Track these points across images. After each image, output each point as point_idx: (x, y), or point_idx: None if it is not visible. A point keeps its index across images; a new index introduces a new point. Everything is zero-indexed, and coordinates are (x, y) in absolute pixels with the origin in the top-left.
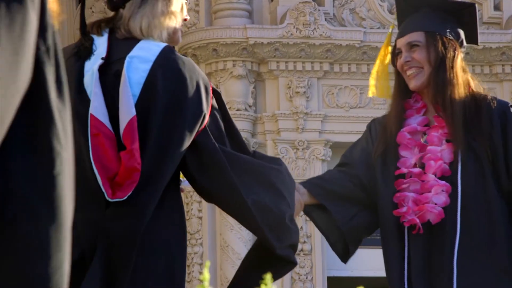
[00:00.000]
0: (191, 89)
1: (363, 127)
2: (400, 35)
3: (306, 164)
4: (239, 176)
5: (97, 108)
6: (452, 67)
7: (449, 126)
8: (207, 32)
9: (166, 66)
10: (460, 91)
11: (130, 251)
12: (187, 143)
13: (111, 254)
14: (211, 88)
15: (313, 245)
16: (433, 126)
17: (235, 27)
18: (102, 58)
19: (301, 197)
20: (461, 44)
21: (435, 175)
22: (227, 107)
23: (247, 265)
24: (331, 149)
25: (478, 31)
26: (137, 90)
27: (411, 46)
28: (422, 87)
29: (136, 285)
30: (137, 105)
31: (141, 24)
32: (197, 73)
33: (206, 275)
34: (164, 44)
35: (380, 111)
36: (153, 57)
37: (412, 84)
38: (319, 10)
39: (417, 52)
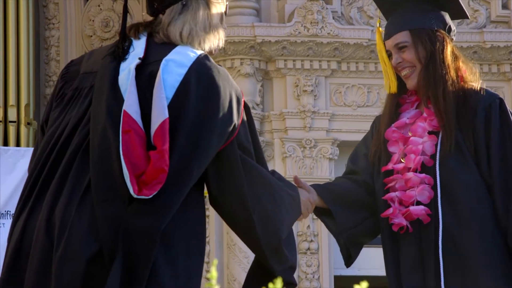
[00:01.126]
0: (224, 98)
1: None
2: (387, 36)
3: (314, 163)
4: (253, 187)
5: (131, 105)
6: (443, 61)
7: (440, 119)
8: None
9: (201, 72)
10: (451, 86)
11: (150, 248)
12: (215, 150)
13: (131, 251)
14: (243, 101)
15: (320, 244)
16: (421, 117)
17: (243, 25)
18: (139, 58)
19: (312, 197)
20: (448, 31)
21: (416, 170)
22: None
23: (250, 282)
24: (339, 148)
25: (463, 4)
26: (171, 93)
27: (399, 47)
28: (419, 84)
29: (155, 282)
30: (169, 108)
31: (182, 30)
32: (231, 83)
33: (214, 273)
34: (201, 51)
35: None
36: (189, 63)
37: (409, 84)
38: (327, 8)
39: (406, 53)
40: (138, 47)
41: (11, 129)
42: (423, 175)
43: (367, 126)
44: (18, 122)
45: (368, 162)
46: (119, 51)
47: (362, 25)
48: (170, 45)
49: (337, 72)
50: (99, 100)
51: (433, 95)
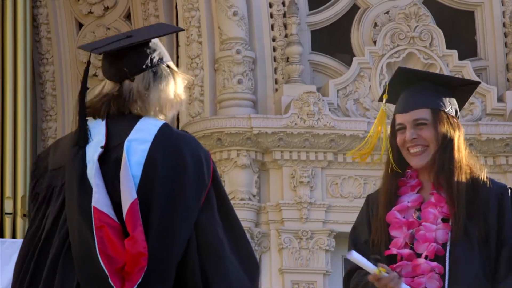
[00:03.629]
0: (192, 164)
1: None
2: (403, 110)
3: (310, 254)
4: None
5: (99, 200)
6: (459, 148)
7: (451, 207)
8: (212, 121)
9: (165, 143)
10: (464, 173)
11: None
12: (194, 219)
13: None
14: (211, 160)
15: None
16: (428, 202)
17: (239, 116)
18: (102, 147)
19: None
20: (458, 118)
21: (427, 257)
22: (231, 196)
23: None
24: (335, 239)
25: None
26: (138, 171)
27: (418, 123)
28: (428, 165)
29: None
30: (140, 186)
31: (159, 100)
32: (197, 146)
33: None
34: (161, 122)
35: None
36: (151, 137)
37: (415, 162)
38: (323, 100)
39: (424, 130)
40: (99, 132)
41: (7, 221)
42: (434, 263)
43: None
44: (14, 214)
45: (368, 250)
46: (81, 142)
47: (358, 117)
48: (130, 120)
49: (333, 163)
50: (71, 199)
51: (447, 181)
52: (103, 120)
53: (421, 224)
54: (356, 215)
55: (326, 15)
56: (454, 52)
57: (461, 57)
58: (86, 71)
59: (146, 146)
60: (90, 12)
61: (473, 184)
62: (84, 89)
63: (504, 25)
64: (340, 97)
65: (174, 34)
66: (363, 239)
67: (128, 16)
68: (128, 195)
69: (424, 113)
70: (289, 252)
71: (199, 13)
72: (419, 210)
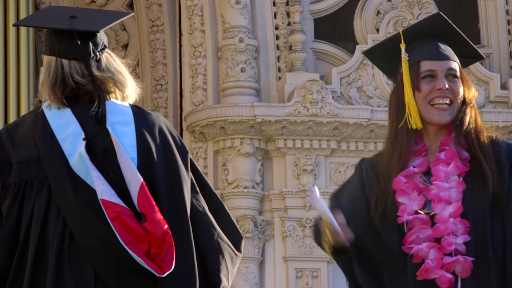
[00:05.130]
0: (171, 135)
1: None
2: (437, 57)
3: (314, 242)
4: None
5: (105, 191)
6: (476, 108)
7: (480, 163)
8: (215, 110)
9: (144, 121)
10: (483, 132)
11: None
12: (189, 181)
13: None
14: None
15: None
16: (438, 161)
17: (243, 105)
18: (84, 139)
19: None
20: None
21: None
22: (235, 184)
23: None
24: None
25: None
26: (134, 153)
27: (452, 74)
28: (448, 123)
29: None
30: (139, 167)
31: (115, 82)
32: (164, 118)
33: None
34: (127, 103)
35: None
36: (130, 118)
37: (440, 117)
38: (326, 88)
39: (456, 83)
40: (71, 121)
41: None
42: (459, 221)
43: None
44: None
45: (367, 224)
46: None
47: (361, 105)
48: (89, 106)
49: (336, 151)
50: (64, 195)
51: (472, 138)
52: (63, 107)
53: (434, 183)
54: None
55: (329, 3)
56: None
57: None
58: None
59: (132, 127)
60: (93, 1)
61: (491, 143)
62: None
63: (507, 12)
64: (343, 85)
65: (177, 23)
66: (347, 198)
67: (130, 5)
68: (134, 178)
69: (456, 66)
70: (293, 240)
71: (202, 1)
72: (426, 174)
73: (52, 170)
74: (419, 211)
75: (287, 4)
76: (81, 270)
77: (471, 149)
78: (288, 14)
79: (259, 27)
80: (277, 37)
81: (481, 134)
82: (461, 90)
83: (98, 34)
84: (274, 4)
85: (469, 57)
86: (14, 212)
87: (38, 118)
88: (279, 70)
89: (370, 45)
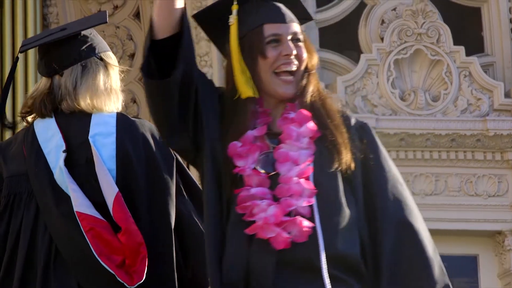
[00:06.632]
0: (155, 143)
1: None
2: (281, 20)
3: None
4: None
5: (81, 204)
6: (316, 75)
7: (330, 131)
8: None
9: (128, 131)
10: (329, 102)
11: None
12: (173, 189)
13: None
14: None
15: None
16: (289, 120)
17: None
18: (64, 151)
19: None
20: None
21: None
22: None
23: None
24: None
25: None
26: (112, 164)
27: (297, 38)
28: (292, 95)
29: None
30: (118, 178)
31: (91, 97)
32: (150, 125)
33: None
34: (114, 113)
35: None
36: (113, 129)
37: (286, 90)
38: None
39: (301, 48)
40: (55, 134)
41: None
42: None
43: None
44: None
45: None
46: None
47: (366, 113)
48: (82, 116)
49: None
50: (48, 207)
51: (321, 108)
52: (51, 117)
53: (284, 143)
54: None
55: (334, 13)
56: (461, 48)
57: (468, 53)
58: (14, 67)
59: (112, 139)
60: (100, 10)
61: (340, 113)
62: (8, 85)
63: (510, 21)
64: (348, 94)
65: None
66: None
67: (137, 15)
68: (110, 189)
69: (299, 29)
70: None
71: None
72: (274, 137)
73: (37, 183)
74: (258, 170)
75: None
76: (66, 282)
77: (318, 117)
78: None
79: None
80: None
81: (326, 102)
82: (305, 56)
83: (59, 48)
84: None
85: (301, 18)
86: (3, 225)
87: (28, 133)
88: None
89: (375, 54)
